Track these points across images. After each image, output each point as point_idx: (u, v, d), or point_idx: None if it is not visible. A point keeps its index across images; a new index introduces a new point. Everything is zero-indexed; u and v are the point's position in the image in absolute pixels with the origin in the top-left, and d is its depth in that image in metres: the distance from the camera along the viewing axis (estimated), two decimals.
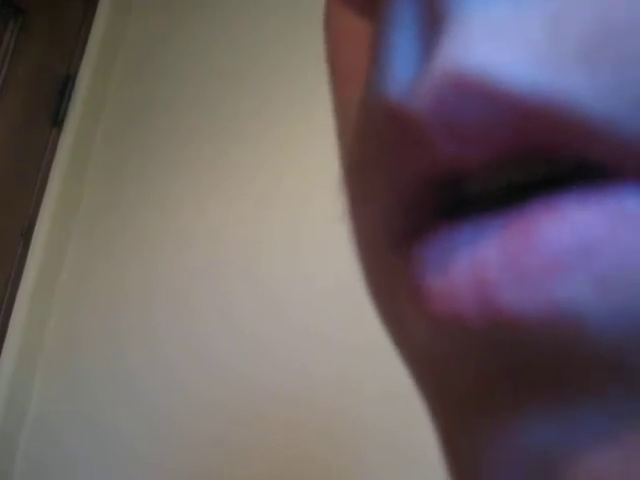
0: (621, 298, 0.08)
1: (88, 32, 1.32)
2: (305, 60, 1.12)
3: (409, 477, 0.83)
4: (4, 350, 1.16)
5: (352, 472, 0.87)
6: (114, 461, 1.05)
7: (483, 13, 0.09)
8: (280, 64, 1.14)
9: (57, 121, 1.27)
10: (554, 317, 0.08)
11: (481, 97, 0.09)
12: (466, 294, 0.09)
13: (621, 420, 0.09)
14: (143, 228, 1.17)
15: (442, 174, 0.10)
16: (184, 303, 1.07)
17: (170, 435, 1.01)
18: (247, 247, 1.05)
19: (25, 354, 1.17)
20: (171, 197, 1.17)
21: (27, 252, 1.21)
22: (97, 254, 1.21)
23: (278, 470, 0.91)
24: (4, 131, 1.20)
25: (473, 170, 0.09)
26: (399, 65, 0.10)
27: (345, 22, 0.14)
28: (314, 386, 0.92)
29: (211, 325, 1.03)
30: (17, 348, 1.16)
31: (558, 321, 0.08)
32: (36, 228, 1.22)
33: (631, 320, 0.08)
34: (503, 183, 0.09)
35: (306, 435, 0.91)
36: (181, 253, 1.11)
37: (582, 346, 0.09)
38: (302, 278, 0.99)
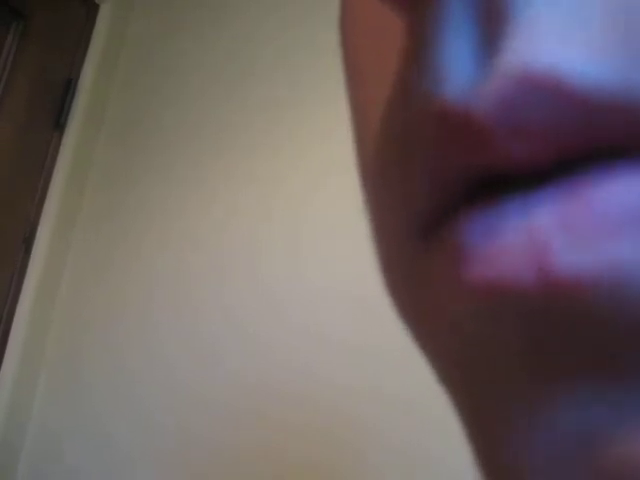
0: None
1: (90, 36, 1.33)
2: (307, 59, 1.12)
3: (412, 479, 0.82)
4: (6, 356, 1.15)
5: (354, 473, 0.86)
6: (115, 471, 1.04)
7: (549, 10, 0.09)
8: (282, 63, 1.14)
9: (59, 125, 1.27)
10: (614, 278, 0.08)
11: (551, 96, 0.09)
12: (519, 261, 0.09)
13: None
14: (145, 232, 1.17)
15: (495, 170, 0.09)
16: (185, 310, 1.07)
17: (171, 444, 1.01)
18: (248, 250, 1.05)
19: (27, 361, 1.16)
20: (173, 200, 1.17)
21: (29, 257, 1.21)
22: (99, 259, 1.21)
23: (281, 471, 0.90)
24: (6, 135, 1.20)
25: (536, 169, 0.09)
26: (454, 65, 0.09)
27: (367, 19, 0.14)
28: (315, 386, 0.92)
29: (213, 334, 1.03)
30: (19, 355, 1.15)
31: (619, 281, 0.08)
32: (38, 233, 1.22)
33: None
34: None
35: (308, 435, 0.90)
36: (183, 258, 1.11)
37: None
38: (303, 278, 0.99)
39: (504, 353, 0.10)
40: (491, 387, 0.10)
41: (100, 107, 1.31)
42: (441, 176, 0.10)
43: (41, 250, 1.21)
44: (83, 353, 1.15)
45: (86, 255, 1.23)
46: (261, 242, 1.04)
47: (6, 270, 1.18)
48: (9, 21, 1.22)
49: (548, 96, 0.09)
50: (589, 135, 0.09)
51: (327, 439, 0.89)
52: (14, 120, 1.22)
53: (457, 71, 0.09)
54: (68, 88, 1.29)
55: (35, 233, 1.22)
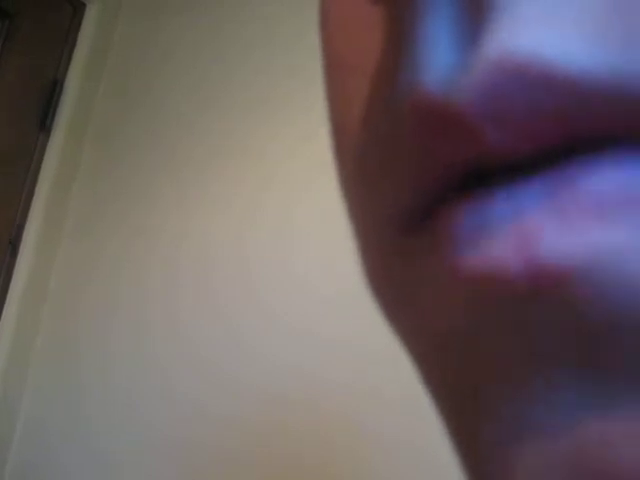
0: None
1: (76, 37, 1.32)
2: (293, 61, 1.13)
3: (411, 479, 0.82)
4: None
5: (352, 473, 0.87)
6: (105, 467, 1.03)
7: None
8: (268, 66, 1.15)
9: (45, 126, 1.26)
10: (598, 263, 0.08)
11: (535, 83, 0.08)
12: (510, 247, 0.09)
13: None
14: (133, 233, 1.17)
15: (481, 162, 0.09)
16: (176, 308, 1.07)
17: (162, 441, 1.01)
18: (237, 250, 1.05)
19: (14, 364, 1.15)
20: (161, 201, 1.17)
21: (15, 260, 1.19)
22: (86, 261, 1.20)
23: (281, 473, 0.90)
24: None
25: (519, 159, 0.09)
26: (436, 53, 0.09)
27: (346, 11, 0.13)
28: (314, 387, 0.92)
29: (205, 330, 1.03)
30: (6, 359, 1.14)
31: (602, 267, 0.08)
32: (24, 236, 1.21)
33: None
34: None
35: (306, 438, 0.90)
36: (171, 258, 1.10)
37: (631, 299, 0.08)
38: (295, 279, 0.99)
39: (490, 342, 0.10)
40: (473, 380, 0.10)
41: (87, 108, 1.30)
42: (425, 170, 0.10)
43: (28, 252, 1.20)
44: (72, 356, 1.14)
45: (73, 257, 1.22)
46: (249, 244, 1.04)
47: None
48: None
49: (531, 83, 0.08)
50: (574, 124, 0.08)
51: (326, 441, 0.89)
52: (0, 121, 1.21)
53: (438, 60, 0.09)
54: (54, 89, 1.28)
55: (21, 235, 1.21)
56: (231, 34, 1.21)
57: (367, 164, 0.11)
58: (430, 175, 0.10)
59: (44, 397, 1.14)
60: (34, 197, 1.23)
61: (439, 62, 0.09)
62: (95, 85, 1.32)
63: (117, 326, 1.11)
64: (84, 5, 1.33)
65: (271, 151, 1.09)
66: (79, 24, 1.32)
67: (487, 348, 0.10)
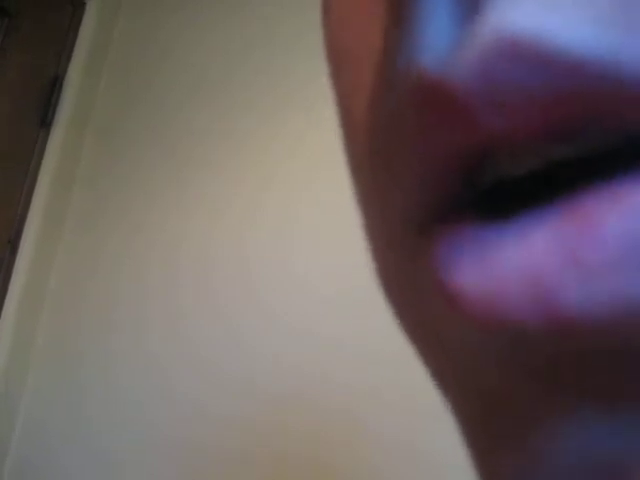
0: None
1: (76, 33, 1.32)
2: (293, 60, 1.13)
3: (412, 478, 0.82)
4: None
5: (353, 472, 0.87)
6: (105, 467, 1.03)
7: None
8: (268, 64, 1.15)
9: (45, 123, 1.26)
10: (627, 317, 0.08)
11: (535, 63, 0.08)
12: (518, 294, 0.08)
13: None
14: (133, 230, 1.17)
15: (479, 149, 0.09)
16: (176, 307, 1.07)
17: (163, 442, 1.01)
18: (238, 250, 1.05)
19: (14, 364, 1.15)
20: (161, 199, 1.16)
21: (14, 259, 1.19)
22: (87, 259, 1.20)
23: (281, 472, 0.90)
24: None
25: (517, 143, 0.08)
26: (433, 32, 0.09)
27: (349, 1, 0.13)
28: (314, 386, 0.91)
29: (205, 329, 1.03)
30: (6, 355, 1.14)
31: (629, 317, 0.08)
32: (24, 234, 1.20)
33: None
34: (538, 163, 0.09)
35: (307, 437, 0.90)
36: (171, 256, 1.10)
37: None
38: (295, 279, 0.99)
39: (503, 379, 0.09)
40: (488, 408, 0.10)
41: (87, 105, 1.30)
42: (427, 156, 0.09)
43: (27, 251, 1.19)
44: (73, 353, 1.14)
45: (74, 256, 1.22)
46: (249, 242, 1.04)
47: None
48: None
49: (529, 62, 0.08)
50: (573, 105, 0.08)
51: (326, 441, 0.89)
52: (0, 118, 1.20)
53: (436, 39, 0.09)
54: (54, 86, 1.28)
55: (21, 234, 1.20)
56: (231, 31, 1.21)
57: (375, 154, 0.11)
58: (432, 163, 0.09)
59: (44, 396, 1.14)
60: (34, 194, 1.22)
61: (437, 41, 0.09)
62: (95, 82, 1.32)
63: (117, 325, 1.11)
64: (84, 2, 1.33)
65: (272, 150, 1.09)
66: (79, 21, 1.32)
67: (500, 383, 0.09)
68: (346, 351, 0.92)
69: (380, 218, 0.11)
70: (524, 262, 0.08)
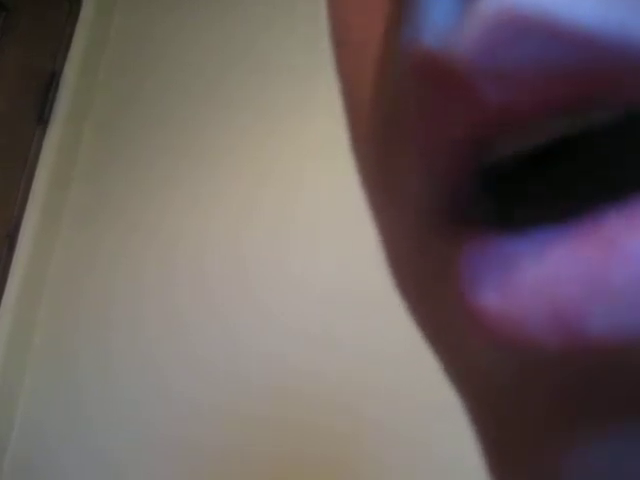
0: None
1: (73, 29, 1.31)
2: (290, 56, 1.12)
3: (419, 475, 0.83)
4: None
5: (357, 470, 0.86)
6: (103, 466, 1.04)
7: None
8: (264, 62, 1.15)
9: (43, 119, 1.25)
10: None
11: (540, 36, 0.08)
12: (541, 317, 0.08)
13: None
14: (130, 228, 1.17)
15: (483, 126, 0.08)
16: (173, 306, 1.07)
17: (161, 442, 1.01)
18: (234, 249, 1.05)
19: (11, 360, 1.15)
20: (157, 196, 1.16)
21: (12, 254, 1.19)
22: (84, 255, 1.20)
23: (282, 471, 0.90)
24: None
25: (522, 119, 0.08)
26: (435, 8, 0.09)
27: None
28: (314, 385, 0.92)
29: (201, 328, 1.03)
30: (3, 354, 1.14)
31: None
32: (21, 230, 1.20)
33: None
34: (543, 140, 0.08)
35: (308, 434, 0.90)
36: (169, 253, 1.10)
37: None
38: (290, 277, 1.00)
39: (525, 397, 0.09)
40: (511, 424, 0.10)
41: (84, 102, 1.30)
42: (433, 138, 0.09)
43: (25, 247, 1.19)
44: (70, 351, 1.14)
45: (71, 252, 1.22)
46: (245, 241, 1.04)
47: None
48: None
49: (534, 35, 0.08)
50: (578, 80, 0.08)
51: (324, 438, 0.89)
52: None
53: (440, 14, 0.09)
54: (51, 83, 1.27)
55: (19, 229, 1.20)
56: (228, 29, 1.21)
57: (380, 136, 0.10)
58: (438, 143, 0.09)
59: (41, 396, 1.14)
60: (31, 191, 1.22)
61: (439, 17, 0.09)
62: (92, 78, 1.32)
63: (114, 323, 1.11)
64: None
65: (268, 148, 1.09)
66: (76, 17, 1.32)
67: (522, 401, 0.09)
68: (342, 349, 0.92)
69: (390, 205, 0.11)
70: (546, 285, 0.08)
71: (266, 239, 1.03)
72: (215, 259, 1.05)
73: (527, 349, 0.08)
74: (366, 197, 0.12)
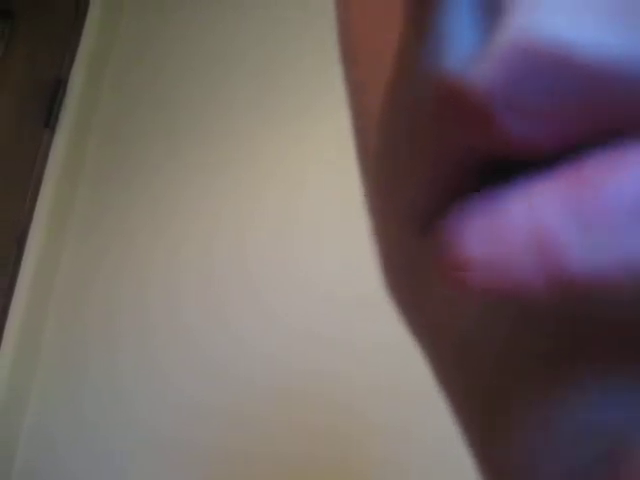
0: None
1: (79, 36, 1.32)
2: (296, 58, 1.12)
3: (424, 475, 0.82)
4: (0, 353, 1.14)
5: (358, 469, 0.86)
6: (111, 470, 1.04)
7: None
8: (270, 63, 1.15)
9: (49, 125, 1.26)
10: (635, 274, 0.07)
11: (556, 68, 0.08)
12: (524, 256, 0.08)
13: None
14: (137, 231, 1.17)
15: (496, 153, 0.09)
16: (179, 310, 1.07)
17: (168, 445, 1.01)
18: (239, 252, 1.05)
19: (20, 363, 1.16)
20: (164, 199, 1.16)
21: (21, 258, 1.20)
22: (92, 258, 1.20)
23: (284, 471, 0.90)
24: None
25: (540, 151, 0.08)
26: (456, 37, 0.09)
27: None
28: (314, 384, 0.92)
29: (207, 331, 1.03)
30: (12, 357, 1.14)
31: (634, 281, 0.07)
32: (30, 233, 1.21)
33: None
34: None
35: (311, 434, 0.90)
36: (175, 256, 1.10)
37: None
38: (294, 282, 0.99)
39: (510, 349, 0.09)
40: (493, 386, 0.10)
41: (91, 107, 1.30)
42: (443, 160, 0.09)
43: (34, 250, 1.20)
44: (78, 353, 1.14)
45: (79, 255, 1.22)
46: (250, 244, 1.04)
47: None
48: None
49: (553, 68, 0.08)
50: (599, 115, 0.08)
51: (330, 439, 0.89)
52: (4, 120, 1.21)
53: (461, 43, 0.09)
54: (58, 88, 1.28)
55: (27, 233, 1.21)
56: (234, 33, 1.20)
57: (388, 153, 0.10)
58: (447, 166, 0.09)
59: (49, 402, 1.14)
60: (39, 195, 1.23)
61: (459, 45, 0.09)
62: (99, 83, 1.32)
63: (121, 327, 1.11)
64: (87, 4, 1.34)
65: (272, 151, 1.09)
66: (82, 23, 1.32)
67: (507, 355, 0.09)
68: (346, 350, 0.92)
69: (389, 210, 0.11)
70: (529, 224, 0.08)
71: (271, 241, 1.03)
72: (220, 262, 1.06)
73: (515, 295, 0.08)
74: (366, 202, 0.13)
